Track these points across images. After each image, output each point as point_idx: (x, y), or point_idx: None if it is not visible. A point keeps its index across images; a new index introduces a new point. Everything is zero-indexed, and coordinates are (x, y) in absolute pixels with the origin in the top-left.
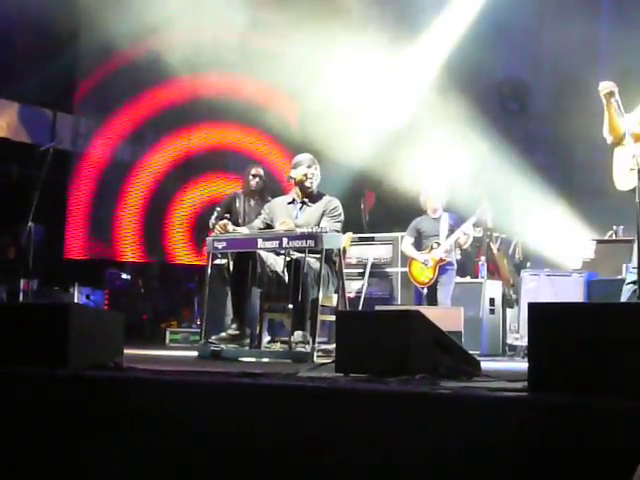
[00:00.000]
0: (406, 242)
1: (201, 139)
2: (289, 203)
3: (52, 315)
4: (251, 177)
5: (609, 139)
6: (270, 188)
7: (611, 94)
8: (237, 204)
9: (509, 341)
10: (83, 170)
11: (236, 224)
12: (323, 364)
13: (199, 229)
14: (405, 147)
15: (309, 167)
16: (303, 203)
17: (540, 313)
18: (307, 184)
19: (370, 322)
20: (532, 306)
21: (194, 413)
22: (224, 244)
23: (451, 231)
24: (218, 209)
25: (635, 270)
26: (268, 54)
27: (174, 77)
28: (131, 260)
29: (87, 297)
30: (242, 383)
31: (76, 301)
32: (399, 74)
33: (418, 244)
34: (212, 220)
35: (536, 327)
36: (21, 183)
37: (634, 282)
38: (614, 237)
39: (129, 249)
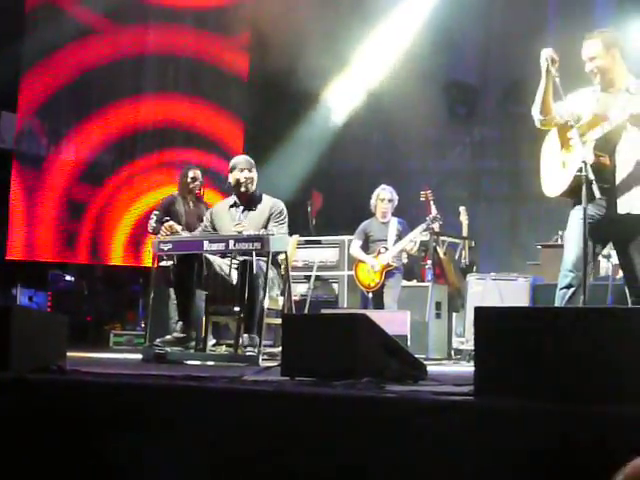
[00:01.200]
0: (354, 245)
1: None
2: (231, 206)
3: None
4: (190, 180)
5: (539, 118)
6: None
7: (553, 62)
8: (176, 206)
9: (455, 345)
10: (23, 169)
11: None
12: (269, 367)
13: (140, 231)
14: (355, 147)
15: (242, 171)
16: (245, 207)
17: (485, 317)
18: (242, 189)
19: (316, 325)
20: (478, 310)
21: (137, 416)
22: (170, 246)
23: (399, 237)
24: (157, 212)
25: (571, 274)
26: None
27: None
28: (75, 261)
29: (30, 299)
30: (187, 386)
31: (18, 303)
32: (350, 73)
33: (365, 248)
34: (152, 223)
35: (482, 331)
36: None
37: (567, 287)
38: (559, 242)
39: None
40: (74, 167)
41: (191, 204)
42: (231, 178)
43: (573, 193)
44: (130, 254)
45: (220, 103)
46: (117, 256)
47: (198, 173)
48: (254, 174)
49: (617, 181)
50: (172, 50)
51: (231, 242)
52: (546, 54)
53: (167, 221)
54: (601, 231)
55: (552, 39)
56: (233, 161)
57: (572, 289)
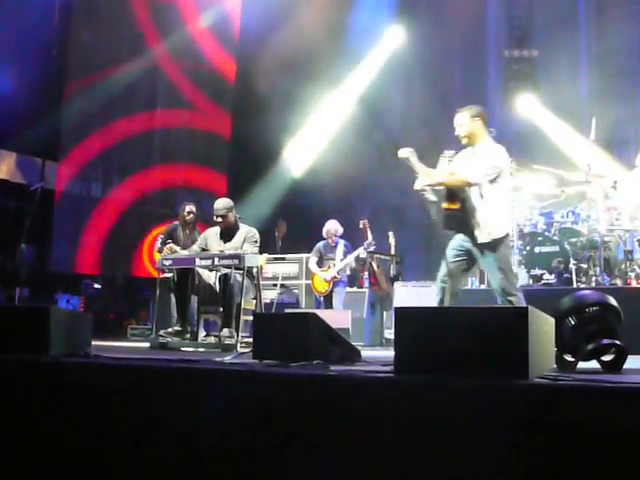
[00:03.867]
0: (312, 261)
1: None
2: (218, 234)
3: (37, 315)
4: (186, 213)
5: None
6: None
7: (410, 157)
8: (177, 232)
9: (385, 335)
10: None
11: (181, 248)
12: (243, 353)
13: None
14: (311, 187)
15: (216, 217)
16: (227, 235)
17: (403, 314)
18: (222, 226)
19: (280, 321)
20: (398, 309)
21: (143, 389)
22: (170, 262)
23: (345, 255)
24: (162, 236)
25: (442, 284)
26: None
27: None
28: (101, 273)
29: (67, 302)
30: (181, 367)
31: (58, 305)
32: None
33: (320, 263)
34: (158, 244)
35: (400, 324)
36: (17, 214)
37: (439, 293)
38: None
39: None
40: (100, 201)
41: (187, 231)
42: (215, 217)
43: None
44: (144, 267)
45: (209, 163)
46: (137, 268)
47: (193, 208)
48: (231, 213)
49: (469, 220)
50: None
51: (216, 259)
52: (402, 154)
53: (169, 243)
54: (469, 255)
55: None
56: (215, 205)
57: (441, 295)
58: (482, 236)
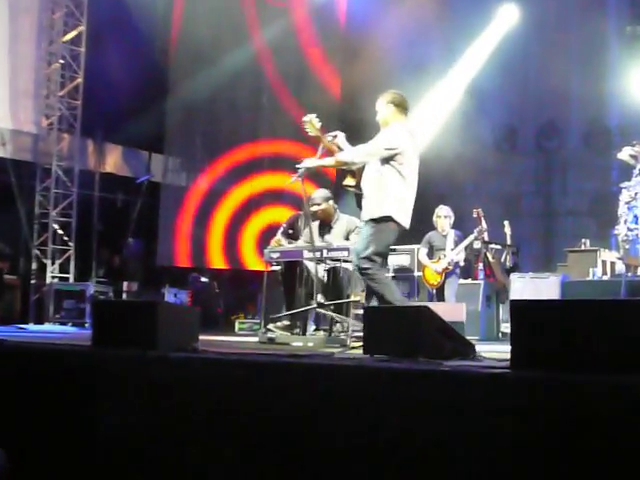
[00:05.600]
0: (422, 252)
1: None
2: (317, 226)
3: (145, 310)
4: (317, 207)
5: None
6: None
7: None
8: (299, 223)
9: (502, 329)
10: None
11: (297, 239)
12: (354, 347)
13: (264, 243)
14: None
15: (319, 205)
16: (326, 226)
17: (521, 307)
18: (320, 217)
19: (390, 315)
20: (514, 302)
21: (251, 385)
22: (278, 254)
23: (456, 244)
24: (284, 225)
25: None
26: None
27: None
28: (209, 267)
29: (175, 296)
30: (289, 362)
31: (166, 300)
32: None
33: (430, 254)
34: (279, 234)
35: (517, 317)
36: (124, 208)
37: None
38: (582, 247)
39: (210, 258)
40: (205, 194)
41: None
42: (313, 208)
43: None
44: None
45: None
46: (246, 262)
47: (314, 198)
48: (324, 206)
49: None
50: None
51: (324, 251)
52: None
53: (291, 234)
54: None
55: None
56: (313, 195)
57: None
58: (364, 214)
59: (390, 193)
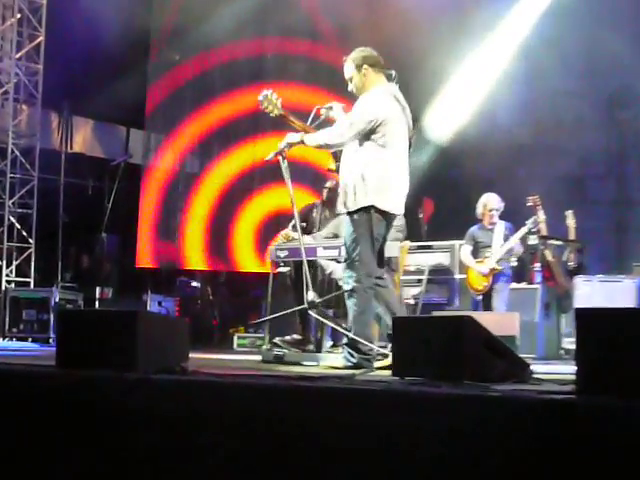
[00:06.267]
0: (464, 251)
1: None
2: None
3: (122, 322)
4: (326, 190)
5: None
6: None
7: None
8: (314, 214)
9: (564, 345)
10: (151, 181)
11: (310, 233)
12: (380, 368)
13: (265, 238)
14: (466, 154)
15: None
16: None
17: (588, 317)
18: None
19: (425, 327)
20: (580, 311)
21: (253, 415)
22: (286, 252)
23: (506, 240)
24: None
25: None
26: None
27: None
28: (200, 269)
29: (159, 304)
30: (300, 386)
31: (149, 308)
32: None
33: (475, 252)
34: (289, 229)
35: (584, 331)
36: (95, 196)
37: None
38: None
39: (196, 257)
40: (198, 182)
41: (327, 213)
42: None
43: None
44: (257, 260)
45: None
46: (244, 262)
47: (334, 183)
48: None
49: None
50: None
51: (343, 248)
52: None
53: (304, 227)
54: None
55: None
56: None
57: None
58: (339, 205)
59: (371, 175)
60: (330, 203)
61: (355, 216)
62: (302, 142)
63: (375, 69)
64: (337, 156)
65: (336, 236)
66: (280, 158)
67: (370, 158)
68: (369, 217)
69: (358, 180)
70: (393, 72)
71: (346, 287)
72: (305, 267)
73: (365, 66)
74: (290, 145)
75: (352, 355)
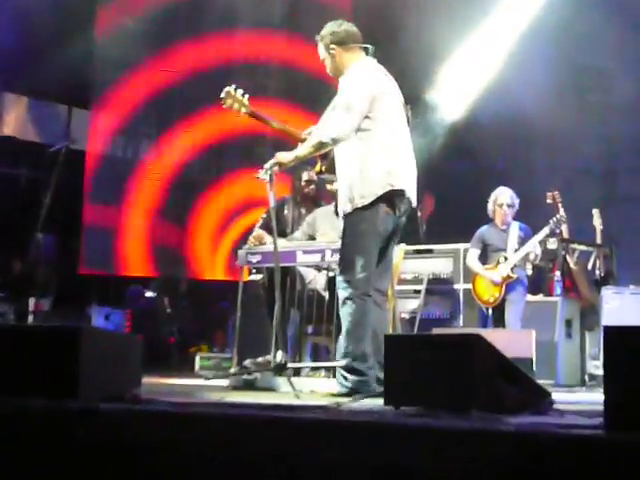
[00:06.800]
0: (471, 255)
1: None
2: (336, 212)
3: (61, 339)
4: (304, 183)
5: None
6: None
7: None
8: (285, 211)
9: (589, 369)
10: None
11: (283, 234)
12: (370, 395)
13: (233, 238)
14: (472, 142)
15: (332, 183)
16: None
17: (618, 337)
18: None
19: (424, 347)
20: (608, 329)
21: (218, 452)
22: (259, 257)
23: (521, 244)
24: (264, 216)
25: None
26: None
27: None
28: (151, 275)
29: (106, 318)
30: (276, 417)
31: (93, 323)
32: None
33: (483, 257)
34: (257, 229)
35: (613, 353)
36: (30, 188)
37: None
38: None
39: (141, 262)
40: (161, 175)
41: (303, 210)
42: (334, 185)
43: None
44: (218, 266)
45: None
46: (208, 269)
47: (314, 175)
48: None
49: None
50: None
51: (327, 253)
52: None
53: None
54: None
55: None
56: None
57: None
58: (339, 207)
59: (371, 165)
60: (305, 198)
61: (357, 212)
62: (297, 158)
63: (346, 46)
64: (324, 155)
65: (312, 238)
66: (267, 178)
67: (369, 143)
68: (374, 212)
69: (358, 172)
70: (369, 46)
71: (341, 294)
72: (277, 279)
73: (332, 46)
74: (280, 165)
75: (345, 378)
